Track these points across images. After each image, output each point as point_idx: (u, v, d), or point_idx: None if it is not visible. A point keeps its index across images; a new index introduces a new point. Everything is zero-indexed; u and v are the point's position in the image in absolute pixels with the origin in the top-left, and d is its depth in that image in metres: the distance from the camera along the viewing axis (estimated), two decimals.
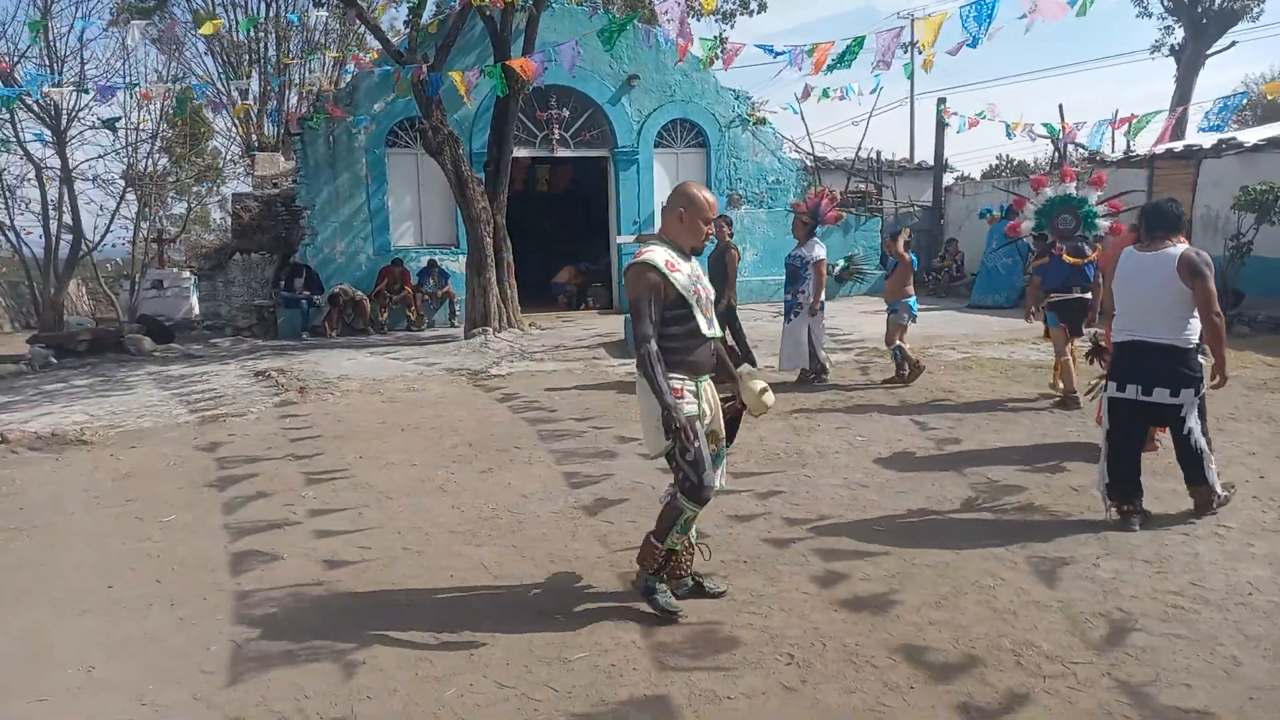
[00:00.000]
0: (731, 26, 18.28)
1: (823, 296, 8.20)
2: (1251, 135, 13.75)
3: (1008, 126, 10.52)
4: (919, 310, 8.54)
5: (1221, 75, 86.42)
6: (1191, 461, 4.49)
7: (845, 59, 7.99)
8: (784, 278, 8.51)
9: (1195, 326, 4.37)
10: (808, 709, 2.94)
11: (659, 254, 3.44)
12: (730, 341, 8.43)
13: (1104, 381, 4.80)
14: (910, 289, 8.18)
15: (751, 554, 4.25)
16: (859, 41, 7.92)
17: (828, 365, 8.43)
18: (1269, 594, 3.64)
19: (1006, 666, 3.15)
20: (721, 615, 3.61)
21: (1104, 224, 7.25)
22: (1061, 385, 7.21)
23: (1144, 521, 4.42)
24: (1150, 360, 4.39)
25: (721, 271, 8.19)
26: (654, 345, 3.35)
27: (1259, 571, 3.86)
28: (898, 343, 8.11)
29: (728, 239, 8.47)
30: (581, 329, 13.03)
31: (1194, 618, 3.45)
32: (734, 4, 17.15)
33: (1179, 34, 23.72)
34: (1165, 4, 23.37)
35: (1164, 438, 4.94)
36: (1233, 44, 23.25)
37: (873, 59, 7.64)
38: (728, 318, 8.30)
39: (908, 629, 3.45)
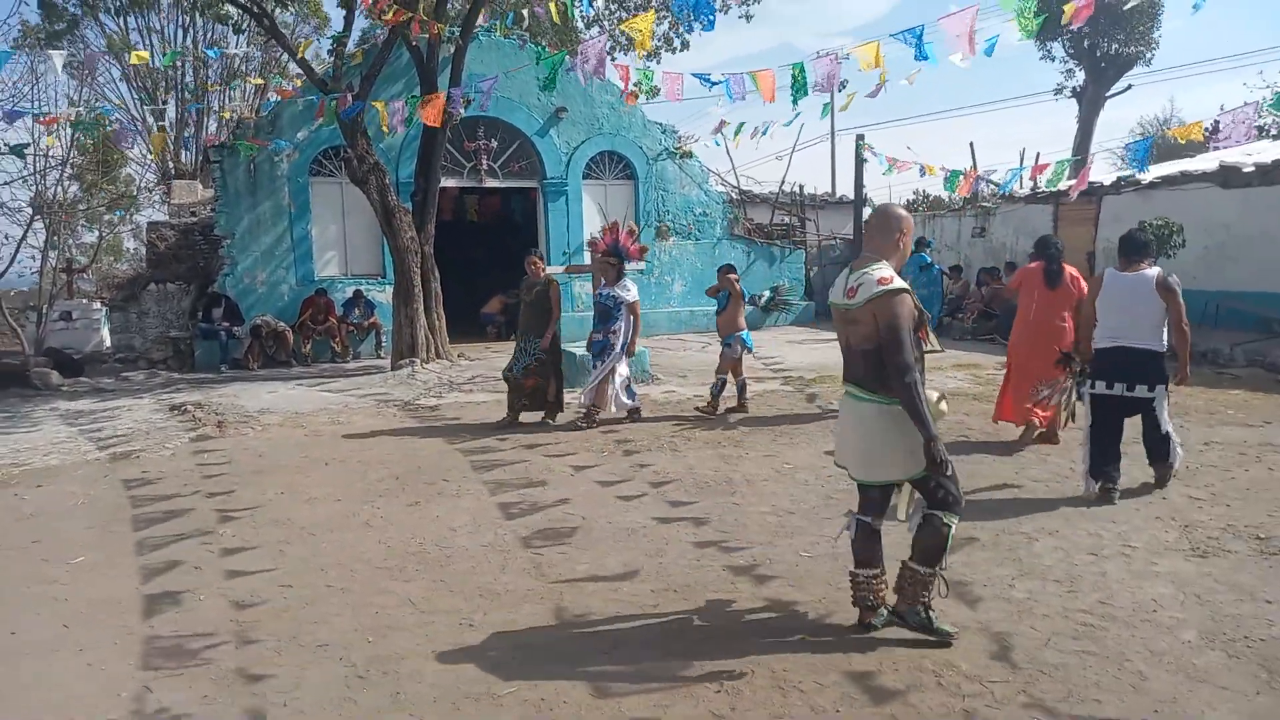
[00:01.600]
0: (658, 62, 18.62)
1: (638, 340, 8.16)
2: (1147, 173, 14.55)
3: (921, 168, 11.01)
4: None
5: (1120, 114, 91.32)
6: (1159, 442, 5.45)
7: (798, 89, 8.20)
8: (594, 315, 8.19)
9: (1164, 336, 5.37)
10: None
11: (899, 279, 3.48)
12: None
13: (1078, 389, 5.69)
14: (743, 321, 8.41)
15: (681, 582, 4.28)
16: (800, 68, 8.14)
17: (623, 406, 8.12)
18: (1172, 610, 3.82)
19: (928, 687, 3.23)
20: (651, 645, 3.62)
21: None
22: None
23: (1119, 495, 5.30)
24: (1132, 363, 5.34)
25: (546, 309, 7.96)
26: (918, 374, 3.40)
27: (1162, 589, 4.05)
28: (723, 376, 8.36)
29: (543, 274, 8.14)
30: None
31: (1103, 635, 3.60)
32: (658, 40, 17.48)
33: (1080, 76, 25.03)
34: (1067, 49, 24.65)
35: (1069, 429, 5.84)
36: (1129, 87, 24.68)
37: (813, 84, 7.92)
38: (552, 357, 8.07)
39: (834, 653, 3.51)
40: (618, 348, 7.91)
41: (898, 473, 3.55)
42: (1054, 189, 9.77)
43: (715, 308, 8.74)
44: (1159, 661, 3.37)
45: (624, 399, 8.05)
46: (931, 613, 3.61)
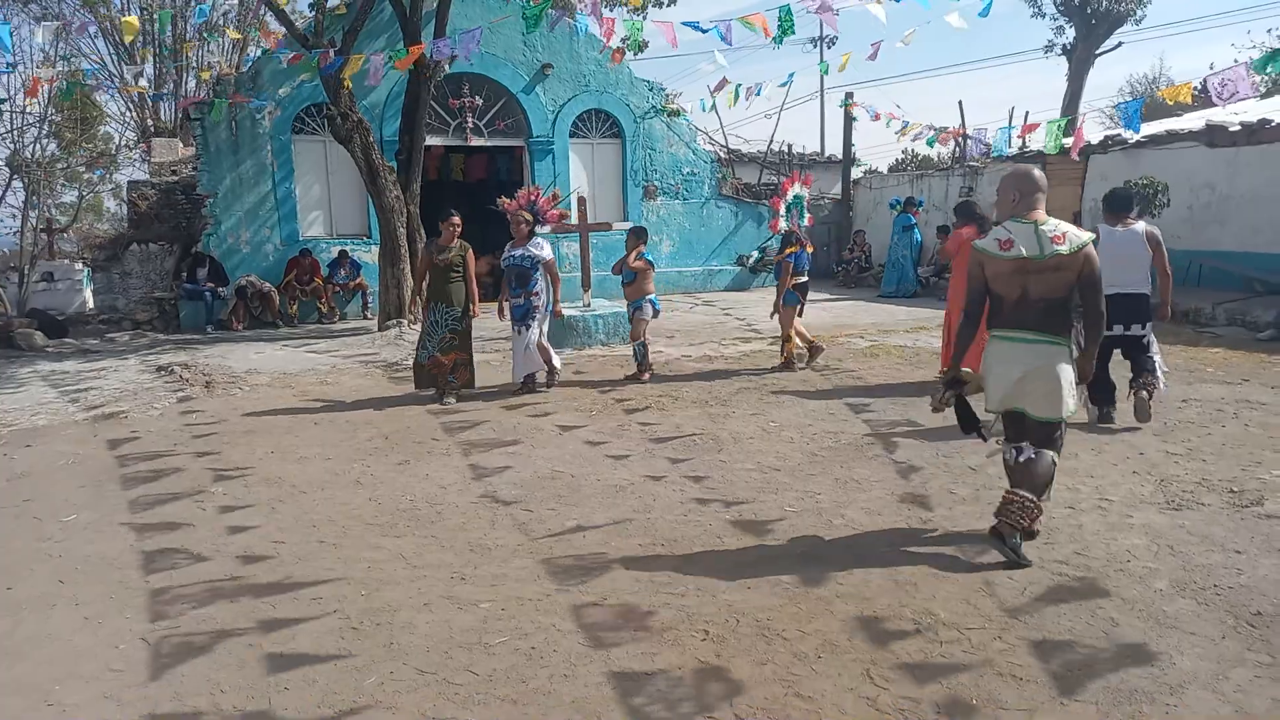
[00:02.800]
0: (644, 17, 18.36)
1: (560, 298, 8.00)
2: (1139, 132, 14.55)
3: (905, 124, 11.01)
4: (828, 299, 8.82)
5: (1109, 73, 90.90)
6: (1148, 368, 6.14)
7: (785, 29, 8.14)
8: (512, 280, 7.75)
9: (1149, 280, 6.19)
10: (722, 681, 3.06)
11: None
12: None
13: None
14: (650, 286, 8.31)
15: (668, 536, 4.37)
16: (786, 11, 8.09)
17: (558, 366, 8.06)
18: (1144, 560, 3.93)
19: (908, 634, 3.33)
20: (639, 597, 3.71)
21: (809, 215, 8.85)
22: (800, 346, 8.63)
23: (1114, 416, 6.22)
24: (1130, 305, 6.04)
25: (457, 277, 7.51)
26: None
27: (1136, 540, 4.15)
28: (643, 339, 8.25)
29: (457, 239, 7.60)
30: (499, 319, 12.93)
31: (1077, 584, 3.71)
32: None
33: (1070, 33, 24.87)
34: (1058, 5, 24.46)
35: None
36: (1119, 44, 24.56)
37: (800, 43, 7.94)
38: (467, 331, 7.66)
39: (816, 603, 3.61)
40: (542, 309, 7.77)
41: (1068, 409, 3.93)
42: (1058, 151, 9.75)
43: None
44: (1130, 609, 3.48)
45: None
46: (1019, 542, 3.94)
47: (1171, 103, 10.30)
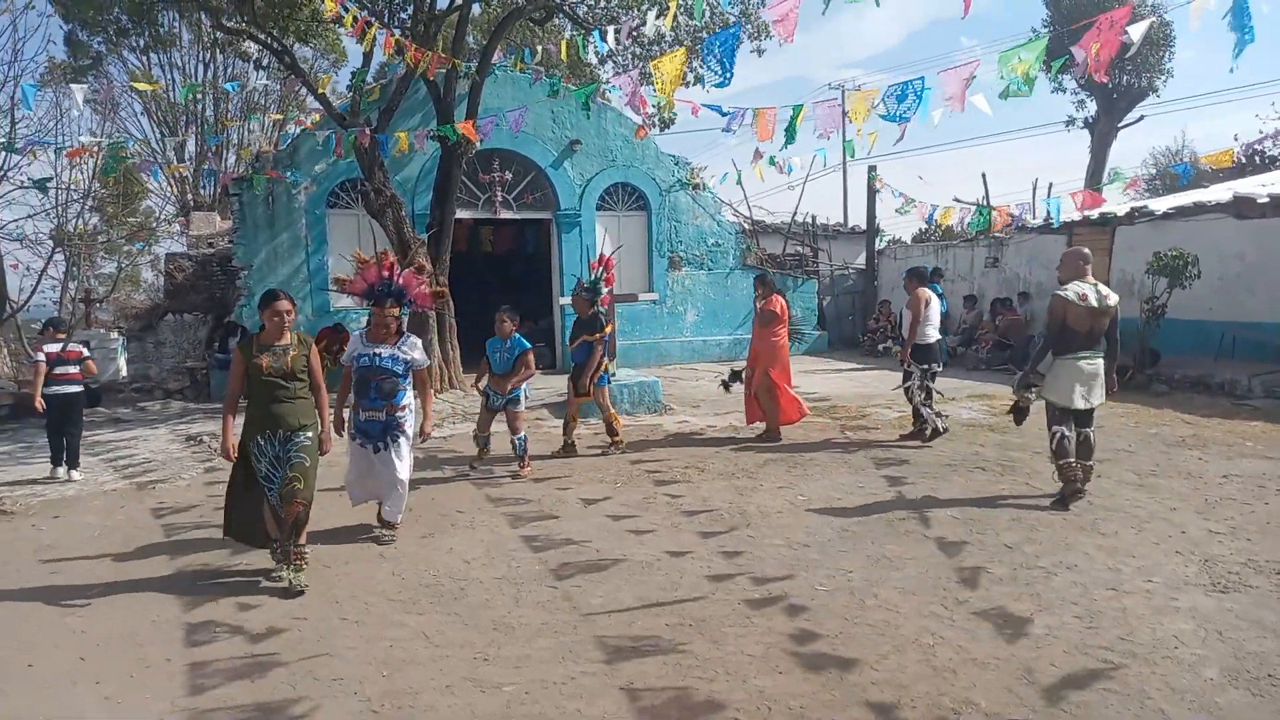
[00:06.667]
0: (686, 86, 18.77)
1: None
2: (1161, 204, 14.52)
3: (912, 203, 11.23)
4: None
5: (1132, 144, 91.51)
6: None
7: (790, 132, 8.21)
8: (366, 385, 5.71)
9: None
10: None
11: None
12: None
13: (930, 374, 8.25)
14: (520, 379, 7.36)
15: (697, 617, 4.26)
16: (797, 110, 8.23)
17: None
18: (1192, 647, 3.77)
19: None
20: (667, 680, 3.60)
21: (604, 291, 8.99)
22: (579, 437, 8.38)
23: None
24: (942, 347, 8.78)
25: (300, 388, 5.37)
26: None
27: (1183, 625, 4.00)
28: (523, 431, 7.46)
29: (290, 333, 5.31)
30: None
31: (1124, 672, 3.56)
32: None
33: (1092, 107, 25.11)
34: (1079, 81, 24.75)
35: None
36: (1141, 118, 24.73)
37: (814, 129, 7.98)
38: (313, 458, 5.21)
39: (851, 689, 3.48)
40: (409, 432, 5.76)
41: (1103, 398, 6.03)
42: (1112, 218, 10.08)
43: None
44: (1180, 700, 3.33)
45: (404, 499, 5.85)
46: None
47: (1214, 169, 10.49)
